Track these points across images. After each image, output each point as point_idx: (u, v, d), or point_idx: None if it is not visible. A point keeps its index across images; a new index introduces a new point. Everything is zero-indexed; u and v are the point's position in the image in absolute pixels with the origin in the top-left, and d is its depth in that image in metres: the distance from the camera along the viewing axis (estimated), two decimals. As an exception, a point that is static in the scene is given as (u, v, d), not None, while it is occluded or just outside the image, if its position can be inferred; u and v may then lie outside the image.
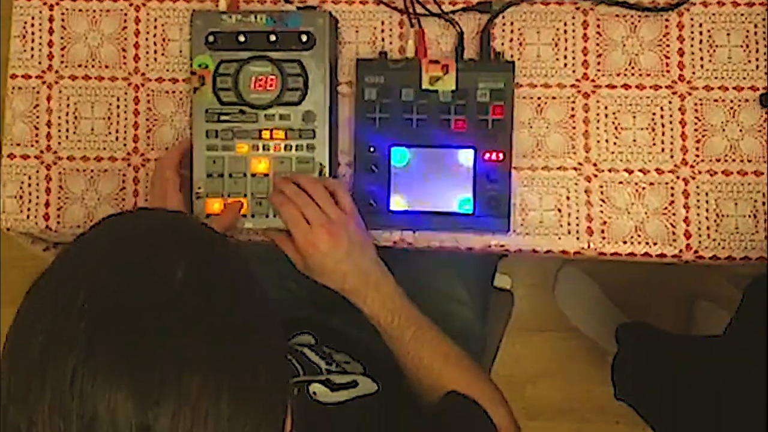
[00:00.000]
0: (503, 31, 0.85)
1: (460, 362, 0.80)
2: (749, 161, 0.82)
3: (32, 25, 0.89)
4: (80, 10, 0.89)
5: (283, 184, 0.80)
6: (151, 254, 0.49)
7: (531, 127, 0.84)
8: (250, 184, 0.83)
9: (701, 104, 0.83)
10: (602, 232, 0.83)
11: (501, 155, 0.82)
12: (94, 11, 0.88)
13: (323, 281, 0.78)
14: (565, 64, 0.85)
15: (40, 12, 0.89)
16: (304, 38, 0.81)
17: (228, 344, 0.47)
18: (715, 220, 0.82)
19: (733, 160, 0.82)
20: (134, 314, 0.45)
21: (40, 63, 0.89)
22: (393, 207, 0.83)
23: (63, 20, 0.89)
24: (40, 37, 0.89)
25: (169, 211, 0.60)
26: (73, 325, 0.45)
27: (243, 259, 0.55)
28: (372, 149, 0.83)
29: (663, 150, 0.83)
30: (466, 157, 0.82)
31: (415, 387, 0.80)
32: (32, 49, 0.89)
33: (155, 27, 0.88)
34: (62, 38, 0.89)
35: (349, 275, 0.77)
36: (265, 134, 0.82)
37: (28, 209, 0.88)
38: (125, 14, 0.88)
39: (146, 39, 0.88)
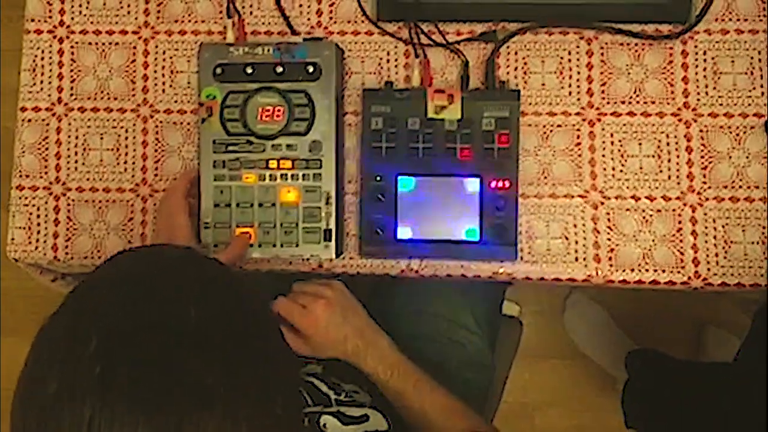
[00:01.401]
0: (508, 60, 0.86)
1: (461, 413, 0.81)
2: (756, 188, 0.82)
3: (42, 59, 0.90)
4: (90, 43, 0.90)
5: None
6: (161, 296, 0.49)
7: (537, 155, 0.85)
8: (257, 213, 0.83)
9: (707, 131, 0.83)
10: (610, 259, 0.83)
11: (507, 183, 0.82)
12: (104, 44, 0.90)
13: (328, 353, 0.80)
14: (570, 92, 0.85)
15: (50, 45, 0.90)
16: (310, 69, 0.82)
17: (243, 381, 0.47)
18: (723, 247, 0.82)
19: (740, 187, 0.82)
20: (148, 357, 0.45)
21: (49, 95, 0.90)
22: (400, 235, 0.83)
23: (72, 53, 0.90)
24: (50, 70, 0.90)
25: (176, 247, 0.61)
26: (87, 373, 0.44)
27: (254, 293, 0.55)
28: (378, 178, 0.83)
29: (669, 177, 0.83)
30: (472, 185, 0.82)
31: None
32: (42, 82, 0.90)
33: (164, 59, 0.89)
34: (72, 71, 0.90)
35: (349, 336, 0.79)
36: (272, 164, 0.83)
37: (37, 240, 0.88)
38: (134, 47, 0.89)
39: (155, 71, 0.89)
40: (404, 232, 0.83)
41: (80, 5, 0.90)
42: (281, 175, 0.83)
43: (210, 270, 0.55)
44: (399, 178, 0.83)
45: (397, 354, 0.81)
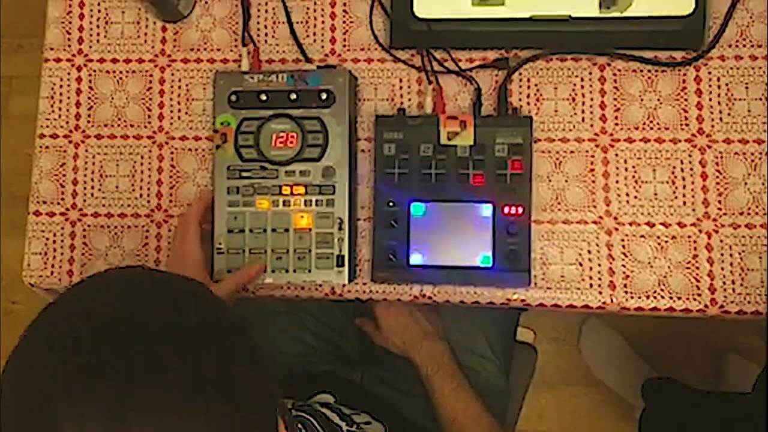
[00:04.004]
0: (520, 86, 0.86)
1: (490, 427, 0.86)
2: (773, 214, 0.81)
3: (60, 86, 0.91)
4: (107, 72, 0.91)
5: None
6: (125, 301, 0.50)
7: (550, 180, 0.84)
8: (270, 239, 0.83)
9: (722, 157, 0.83)
10: (625, 286, 0.82)
11: (520, 209, 0.82)
12: (121, 72, 0.91)
13: (393, 339, 0.92)
14: (583, 119, 0.85)
15: (68, 73, 0.92)
16: (324, 96, 0.83)
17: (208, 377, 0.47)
18: (740, 274, 0.81)
19: (756, 213, 0.82)
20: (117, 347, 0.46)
21: (67, 123, 0.91)
22: (412, 261, 0.83)
23: (90, 81, 0.91)
24: (68, 98, 0.91)
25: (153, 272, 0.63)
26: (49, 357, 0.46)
27: (225, 308, 0.55)
28: (391, 204, 0.83)
29: (684, 203, 0.83)
30: (485, 211, 0.82)
31: None
32: (60, 109, 0.91)
33: (179, 87, 0.90)
34: (89, 98, 0.91)
35: (413, 331, 0.91)
36: (286, 190, 0.83)
37: (53, 266, 0.89)
38: (150, 75, 0.91)
39: (170, 98, 0.90)
40: (417, 258, 0.83)
41: (98, 34, 0.92)
42: (294, 201, 0.83)
43: (186, 285, 0.56)
44: (412, 204, 0.83)
45: (448, 359, 0.90)
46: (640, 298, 0.82)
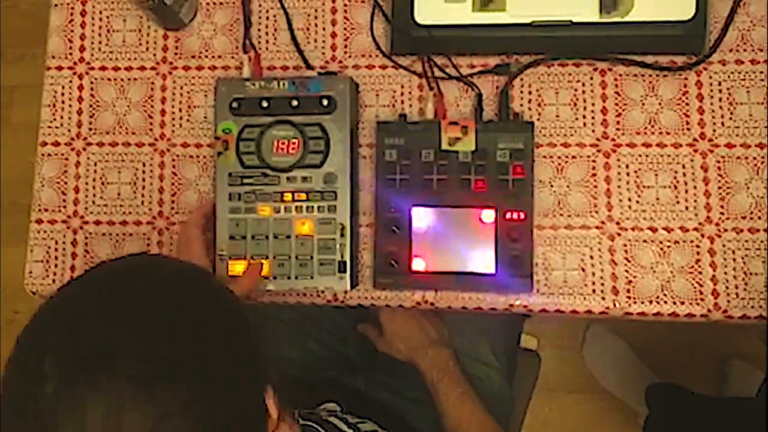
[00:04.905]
0: (521, 92, 0.86)
1: None
2: (776, 218, 0.81)
3: (62, 94, 0.92)
4: (109, 79, 0.91)
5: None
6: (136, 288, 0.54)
7: (552, 186, 0.84)
8: (272, 246, 0.83)
9: (724, 162, 0.83)
10: (628, 291, 0.82)
11: (522, 215, 0.82)
12: (122, 80, 0.91)
13: (397, 345, 0.93)
14: (585, 124, 0.85)
15: (70, 81, 0.92)
16: (325, 103, 0.83)
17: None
18: (743, 279, 0.81)
19: (759, 218, 0.81)
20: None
21: (69, 131, 0.91)
22: (414, 267, 0.83)
23: (92, 89, 0.91)
24: (70, 106, 0.91)
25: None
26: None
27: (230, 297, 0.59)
28: (393, 210, 0.83)
29: (687, 208, 0.82)
30: (487, 216, 0.82)
31: None
32: (62, 117, 0.91)
33: (181, 94, 0.90)
34: (91, 106, 0.91)
35: (418, 338, 0.92)
36: (287, 196, 0.83)
37: (54, 273, 0.89)
38: (152, 82, 0.91)
39: (172, 106, 0.90)
40: (419, 264, 0.83)
41: (100, 42, 0.92)
42: (296, 207, 0.83)
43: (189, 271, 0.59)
44: (413, 209, 0.83)
45: (453, 365, 0.90)
46: (643, 303, 0.82)
